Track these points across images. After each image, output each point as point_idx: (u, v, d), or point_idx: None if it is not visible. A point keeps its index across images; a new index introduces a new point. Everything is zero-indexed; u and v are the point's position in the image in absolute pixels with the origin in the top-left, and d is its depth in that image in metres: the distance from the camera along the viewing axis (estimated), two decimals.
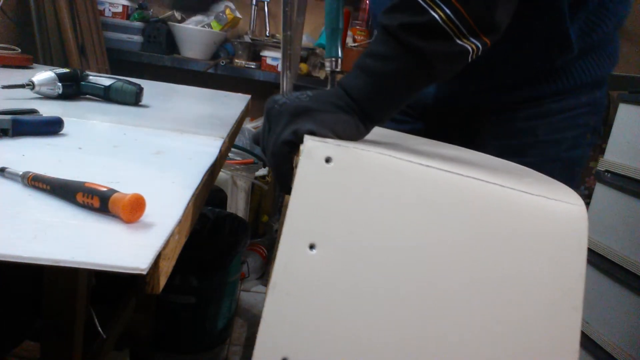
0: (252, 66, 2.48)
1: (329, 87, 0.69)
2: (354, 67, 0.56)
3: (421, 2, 0.51)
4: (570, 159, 0.81)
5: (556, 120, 0.78)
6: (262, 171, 2.36)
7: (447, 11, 0.51)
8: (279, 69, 0.77)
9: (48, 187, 0.51)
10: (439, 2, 0.51)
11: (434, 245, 0.45)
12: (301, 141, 0.50)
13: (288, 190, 0.52)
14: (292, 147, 0.52)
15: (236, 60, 2.50)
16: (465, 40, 0.52)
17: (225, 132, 0.92)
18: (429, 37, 0.51)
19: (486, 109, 0.81)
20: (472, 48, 0.53)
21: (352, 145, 0.47)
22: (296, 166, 0.49)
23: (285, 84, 0.72)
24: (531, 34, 0.72)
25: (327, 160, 0.46)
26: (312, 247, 0.45)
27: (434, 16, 0.51)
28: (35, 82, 0.97)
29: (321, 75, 2.47)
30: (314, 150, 0.46)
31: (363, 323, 0.45)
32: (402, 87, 0.54)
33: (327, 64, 0.71)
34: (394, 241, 0.45)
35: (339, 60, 0.70)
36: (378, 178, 0.45)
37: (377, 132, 0.58)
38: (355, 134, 0.53)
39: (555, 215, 0.46)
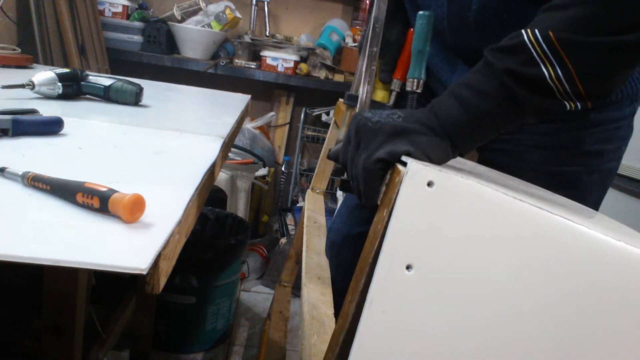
0: (252, 66, 2.48)
1: (403, 107, 0.69)
2: (447, 92, 0.55)
3: (534, 53, 0.49)
4: (607, 170, 0.80)
5: (600, 131, 0.77)
6: (262, 171, 2.36)
7: (559, 71, 0.49)
8: (358, 80, 0.76)
9: (48, 187, 0.51)
10: (552, 59, 0.49)
11: (523, 276, 0.46)
12: (396, 161, 0.50)
13: (372, 206, 0.53)
14: (386, 165, 0.51)
15: (236, 60, 2.50)
16: (566, 100, 0.51)
17: (225, 132, 0.92)
18: (533, 89, 0.50)
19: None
20: (570, 105, 0.52)
21: (452, 172, 0.47)
22: (386, 185, 0.50)
23: (365, 98, 0.71)
24: None
25: (429, 184, 0.46)
26: (408, 267, 0.46)
27: (543, 72, 0.49)
28: (35, 82, 0.97)
29: (321, 75, 2.47)
30: (418, 173, 0.46)
31: (452, 344, 0.47)
32: (494, 124, 0.54)
33: (409, 83, 0.71)
34: (486, 269, 0.46)
35: (421, 82, 0.70)
36: (475, 207, 0.46)
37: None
38: (444, 158, 0.54)
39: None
